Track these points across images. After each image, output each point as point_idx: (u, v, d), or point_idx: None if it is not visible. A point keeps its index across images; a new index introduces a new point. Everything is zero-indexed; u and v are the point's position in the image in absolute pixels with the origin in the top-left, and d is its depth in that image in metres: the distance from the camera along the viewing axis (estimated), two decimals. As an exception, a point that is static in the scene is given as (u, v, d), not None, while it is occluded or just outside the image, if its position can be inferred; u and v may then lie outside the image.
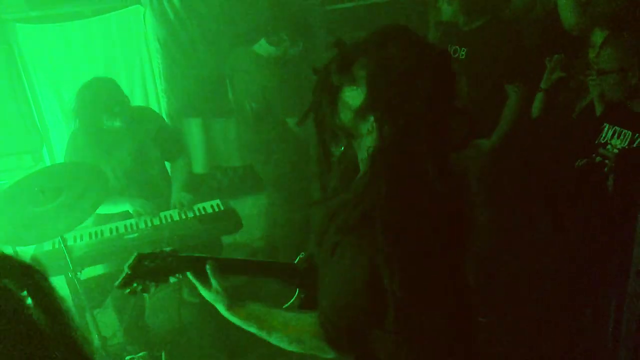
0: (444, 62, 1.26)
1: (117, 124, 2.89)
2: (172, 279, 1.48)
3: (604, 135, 2.43)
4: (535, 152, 3.13)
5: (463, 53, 3.19)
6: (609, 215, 2.40)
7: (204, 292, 1.48)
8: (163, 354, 2.58)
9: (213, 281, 1.45)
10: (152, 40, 3.61)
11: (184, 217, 2.98)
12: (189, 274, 1.48)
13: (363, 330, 1.32)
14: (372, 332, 1.34)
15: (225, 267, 1.49)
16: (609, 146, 2.39)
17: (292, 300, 1.62)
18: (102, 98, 2.83)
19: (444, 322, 1.37)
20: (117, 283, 1.45)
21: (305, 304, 1.57)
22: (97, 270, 2.92)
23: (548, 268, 2.86)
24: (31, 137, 3.42)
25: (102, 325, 2.67)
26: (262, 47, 3.29)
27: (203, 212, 3.02)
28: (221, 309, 1.47)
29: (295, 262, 1.65)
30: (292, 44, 3.26)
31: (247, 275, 1.63)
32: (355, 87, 1.27)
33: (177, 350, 3.24)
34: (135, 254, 1.47)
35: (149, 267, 1.46)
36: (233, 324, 1.51)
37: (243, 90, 3.38)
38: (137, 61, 3.66)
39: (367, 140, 1.31)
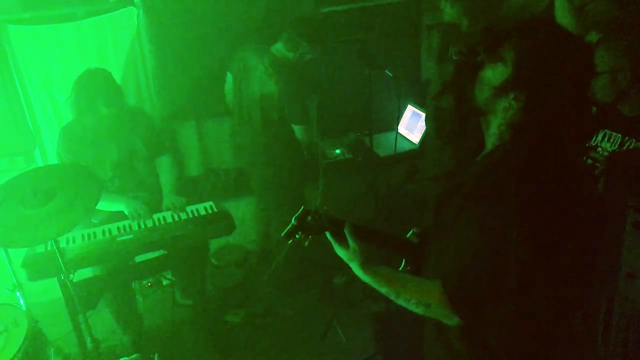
0: (589, 54, 1.38)
1: (113, 110, 2.92)
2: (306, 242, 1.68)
3: (594, 138, 2.45)
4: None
5: None
6: (599, 218, 2.41)
7: (340, 251, 1.60)
8: (156, 355, 2.57)
9: (350, 241, 1.58)
10: (145, 42, 3.61)
11: (177, 219, 2.98)
12: (328, 234, 1.63)
13: (488, 299, 1.35)
14: (495, 302, 1.36)
15: (358, 232, 1.60)
16: (599, 149, 2.41)
17: (400, 268, 1.76)
18: (98, 83, 2.89)
19: (558, 307, 1.44)
20: (283, 233, 1.66)
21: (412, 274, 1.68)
22: (89, 272, 2.91)
23: (564, 268, 2.87)
24: (24, 138, 3.42)
25: (94, 327, 2.67)
26: (279, 51, 3.30)
27: (196, 214, 3.03)
28: (355, 266, 1.57)
29: (407, 236, 1.80)
30: (310, 50, 3.29)
31: (373, 242, 1.69)
32: (499, 65, 1.37)
33: (170, 351, 3.24)
34: (302, 207, 1.67)
35: (309, 223, 1.65)
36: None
37: (251, 89, 3.36)
38: (130, 63, 3.66)
39: (499, 117, 1.39)
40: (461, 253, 1.37)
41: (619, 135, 2.35)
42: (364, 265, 1.55)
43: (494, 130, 1.43)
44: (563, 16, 2.89)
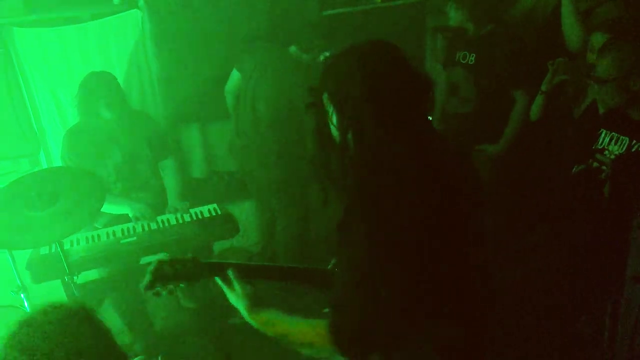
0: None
1: (115, 113, 2.94)
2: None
3: (600, 141, 2.44)
4: (533, 156, 3.14)
5: (472, 58, 3.22)
6: (605, 221, 2.40)
7: (228, 295, 1.57)
8: (159, 358, 2.57)
9: (236, 285, 1.54)
10: (149, 44, 3.60)
11: (181, 221, 2.98)
12: (217, 279, 1.57)
13: (367, 335, 1.29)
14: (377, 339, 1.31)
15: (248, 273, 1.58)
16: (606, 152, 2.40)
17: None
18: (101, 87, 2.90)
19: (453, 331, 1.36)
20: (141, 286, 1.55)
21: None
22: (93, 274, 2.91)
23: (544, 274, 2.87)
24: (28, 141, 3.42)
25: (98, 329, 2.66)
26: (294, 51, 3.32)
27: (200, 217, 3.03)
28: (242, 310, 1.54)
29: (329, 267, 1.69)
30: (324, 49, 3.30)
31: (274, 280, 1.67)
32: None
33: (174, 355, 3.23)
34: (156, 260, 1.57)
35: (169, 273, 1.55)
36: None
37: (264, 88, 3.36)
38: (134, 66, 3.66)
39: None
40: (335, 288, 1.35)
41: (627, 138, 2.34)
42: (250, 309, 1.51)
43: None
44: (568, 18, 2.88)
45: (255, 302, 1.53)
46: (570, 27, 2.88)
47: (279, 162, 3.47)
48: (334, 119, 1.35)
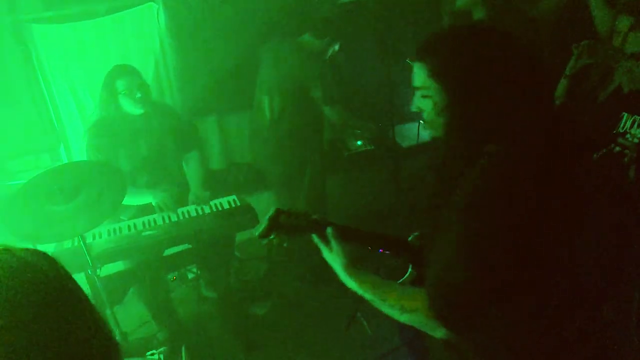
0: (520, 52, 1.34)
1: (140, 110, 2.96)
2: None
3: (622, 125, 2.39)
4: (556, 140, 3.10)
5: None
6: (631, 207, 2.36)
7: (324, 252, 1.57)
8: (183, 348, 2.60)
9: (333, 243, 1.54)
10: (166, 37, 3.62)
11: (201, 213, 3.00)
12: (313, 236, 1.59)
13: (471, 309, 1.29)
14: (481, 312, 1.32)
15: (344, 234, 1.57)
16: (627, 135, 2.35)
17: (405, 277, 1.67)
18: (126, 83, 2.92)
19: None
20: (257, 233, 1.59)
21: (418, 282, 1.61)
22: (116, 267, 2.95)
23: (566, 262, 2.83)
24: (48, 136, 3.47)
25: (122, 321, 2.70)
26: (306, 40, 3.34)
27: (220, 208, 3.04)
28: (338, 269, 1.53)
29: (409, 239, 1.73)
30: (334, 43, 3.32)
31: (363, 244, 1.65)
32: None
33: (197, 344, 3.27)
34: (275, 208, 1.59)
35: (283, 223, 1.58)
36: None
37: (277, 79, 3.37)
38: (151, 59, 3.68)
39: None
40: (444, 257, 1.30)
41: (650, 121, 2.29)
42: (347, 268, 1.51)
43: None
44: (596, 4, 2.84)
45: (353, 262, 1.53)
46: (598, 9, 2.83)
47: (294, 154, 3.48)
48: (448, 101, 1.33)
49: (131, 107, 2.95)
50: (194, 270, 3.69)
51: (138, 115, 2.99)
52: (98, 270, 2.50)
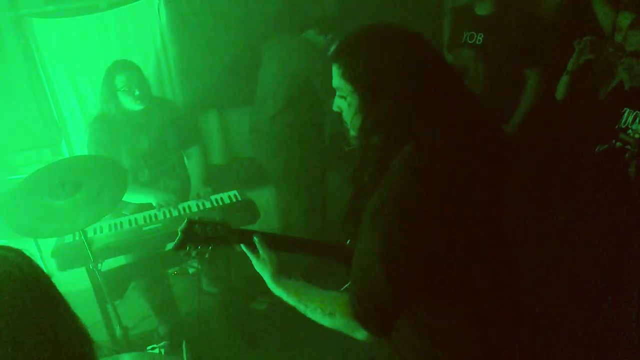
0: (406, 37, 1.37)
1: (138, 107, 2.97)
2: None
3: (624, 120, 2.39)
4: (557, 137, 3.10)
5: (480, 38, 3.16)
6: (631, 202, 2.36)
7: (254, 261, 1.57)
8: (184, 343, 2.60)
9: (261, 251, 1.55)
10: (166, 32, 3.62)
11: (202, 208, 3.00)
12: (242, 245, 1.58)
13: (388, 310, 1.30)
14: (398, 313, 1.33)
15: (273, 242, 1.58)
16: (629, 131, 2.35)
17: (348, 284, 1.63)
18: (125, 80, 2.92)
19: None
20: (172, 245, 1.55)
21: None
22: (117, 261, 2.95)
23: (568, 257, 2.83)
24: (50, 131, 3.47)
25: (123, 315, 2.71)
26: (310, 36, 3.36)
27: (221, 203, 3.04)
28: (266, 277, 1.55)
29: (347, 243, 1.72)
30: (337, 39, 3.32)
31: (296, 252, 1.66)
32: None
33: (197, 339, 3.28)
34: (187, 218, 1.55)
35: (199, 233, 1.54)
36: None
37: (279, 73, 3.37)
38: (152, 53, 3.67)
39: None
40: (360, 260, 1.33)
41: (651, 116, 2.29)
42: (274, 276, 1.52)
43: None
44: (596, 2, 2.85)
45: (280, 270, 1.54)
46: (598, 7, 2.83)
47: (294, 148, 3.48)
48: (360, 100, 1.35)
49: (131, 104, 2.96)
50: (195, 265, 3.69)
51: (138, 111, 2.99)
52: (99, 265, 2.50)
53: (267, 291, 1.59)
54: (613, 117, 2.44)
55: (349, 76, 1.35)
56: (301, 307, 1.45)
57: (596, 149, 2.47)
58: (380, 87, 1.30)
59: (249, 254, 1.58)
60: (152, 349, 2.28)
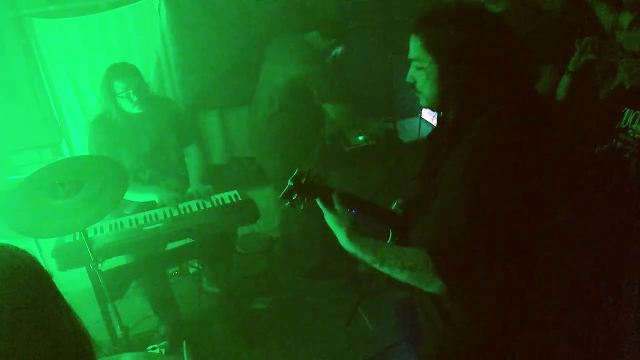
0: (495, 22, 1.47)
1: (137, 110, 2.98)
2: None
3: (624, 120, 2.39)
4: (557, 137, 3.09)
5: None
6: (631, 202, 2.36)
7: (329, 217, 1.60)
8: (184, 343, 2.60)
9: (338, 207, 1.60)
10: (167, 32, 3.62)
11: (202, 208, 3.00)
12: (317, 200, 1.64)
13: (470, 263, 1.39)
14: (477, 267, 1.42)
15: (345, 200, 1.63)
16: (629, 131, 2.35)
17: (387, 241, 1.78)
18: (123, 86, 2.92)
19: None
20: (280, 194, 1.66)
21: (398, 245, 1.70)
22: (117, 261, 2.95)
23: (568, 255, 2.83)
24: (50, 130, 3.47)
25: (123, 315, 2.71)
26: (313, 37, 3.34)
27: (221, 203, 3.04)
28: (342, 233, 1.56)
29: (392, 207, 1.86)
30: (338, 45, 3.34)
31: (360, 211, 1.72)
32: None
33: (198, 339, 3.28)
34: (297, 169, 1.66)
35: (304, 184, 1.65)
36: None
37: (277, 73, 3.37)
38: (153, 53, 3.68)
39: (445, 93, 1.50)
40: (446, 217, 1.40)
41: (651, 116, 2.29)
42: (350, 231, 1.55)
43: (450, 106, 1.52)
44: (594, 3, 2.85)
45: (356, 227, 1.58)
46: (599, 8, 2.84)
47: (290, 149, 3.48)
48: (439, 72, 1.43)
49: (129, 108, 2.98)
50: (195, 265, 3.70)
51: (138, 114, 3.01)
52: (99, 265, 2.50)
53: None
54: (613, 117, 2.44)
55: (431, 46, 1.43)
56: (377, 262, 1.49)
57: (596, 149, 2.47)
58: (459, 59, 1.39)
59: (325, 210, 1.62)
60: (153, 348, 2.29)
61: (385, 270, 1.47)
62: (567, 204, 2.84)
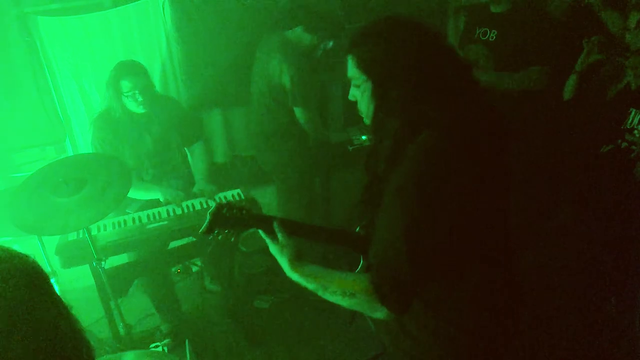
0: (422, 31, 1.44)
1: (141, 110, 2.98)
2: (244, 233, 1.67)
3: (630, 121, 2.38)
4: (563, 136, 3.09)
5: (493, 35, 3.17)
6: (636, 202, 2.35)
7: (272, 246, 1.59)
8: (186, 341, 2.61)
9: (279, 236, 1.58)
10: (171, 30, 3.61)
11: (205, 206, 3.00)
12: (260, 231, 1.62)
13: (409, 288, 1.34)
14: (418, 292, 1.38)
15: (290, 228, 1.61)
16: (635, 131, 2.34)
17: (358, 268, 1.74)
18: (130, 85, 2.92)
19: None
20: (201, 230, 1.63)
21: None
22: (121, 259, 2.95)
23: (572, 255, 2.83)
24: (54, 128, 3.47)
25: (127, 313, 2.71)
26: (296, 34, 3.29)
27: (224, 201, 3.04)
28: (284, 262, 1.56)
29: (357, 230, 1.78)
30: (327, 39, 3.29)
31: (311, 239, 1.70)
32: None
33: (200, 337, 3.28)
34: (215, 203, 1.64)
35: (226, 216, 1.61)
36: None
37: (261, 73, 3.37)
38: (156, 52, 3.67)
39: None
40: (382, 239, 1.36)
41: (656, 117, 2.28)
42: (292, 261, 1.54)
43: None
44: (600, 9, 2.85)
45: (298, 255, 1.56)
46: (606, 14, 2.84)
47: (281, 148, 3.47)
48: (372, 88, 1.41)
49: (134, 107, 2.98)
50: (198, 263, 3.70)
51: (142, 113, 3.01)
52: (103, 263, 2.50)
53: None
54: (619, 118, 2.43)
55: (363, 65, 1.41)
56: (320, 290, 1.47)
57: (602, 149, 2.46)
58: (392, 75, 1.37)
59: (267, 239, 1.61)
60: (155, 346, 2.28)
61: (329, 298, 1.45)
62: (572, 204, 2.84)
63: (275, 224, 1.59)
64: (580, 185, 2.73)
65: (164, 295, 3.24)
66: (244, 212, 1.62)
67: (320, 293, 1.47)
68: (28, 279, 0.88)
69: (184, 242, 3.11)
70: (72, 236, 2.77)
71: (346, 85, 1.52)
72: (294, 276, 1.54)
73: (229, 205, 1.63)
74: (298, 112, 3.32)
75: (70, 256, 2.65)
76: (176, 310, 3.32)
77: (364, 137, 4.10)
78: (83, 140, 3.60)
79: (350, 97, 1.52)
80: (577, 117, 2.91)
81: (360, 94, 1.46)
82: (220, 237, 1.63)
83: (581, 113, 2.84)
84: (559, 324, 2.87)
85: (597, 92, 2.67)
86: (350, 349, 3.17)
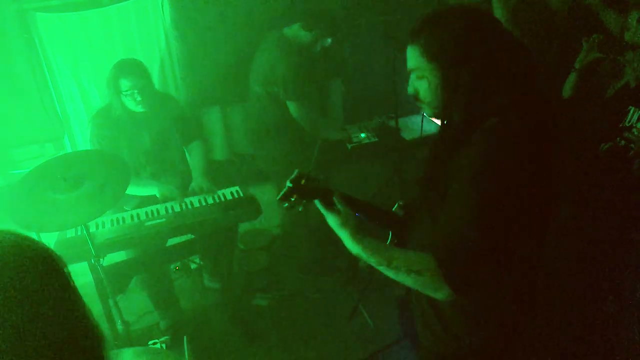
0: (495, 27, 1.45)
1: (139, 109, 2.98)
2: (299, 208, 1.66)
3: (628, 119, 2.38)
4: (562, 134, 3.09)
5: None
6: (635, 200, 2.35)
7: (331, 218, 1.56)
8: (185, 338, 2.61)
9: (341, 207, 1.56)
10: (169, 28, 3.61)
11: (204, 203, 3.00)
12: (317, 202, 1.60)
13: (477, 269, 1.35)
14: (484, 274, 1.38)
15: (346, 201, 1.61)
16: (634, 130, 2.34)
17: (387, 243, 1.75)
18: (129, 84, 2.91)
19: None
20: (278, 196, 1.62)
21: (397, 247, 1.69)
22: (119, 256, 2.95)
23: (570, 254, 2.83)
24: (53, 125, 3.46)
25: (124, 310, 2.71)
26: (293, 30, 3.28)
27: (223, 199, 3.04)
28: (346, 233, 1.52)
29: (393, 209, 1.84)
30: (325, 37, 3.28)
31: (358, 211, 1.69)
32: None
33: (199, 334, 3.28)
34: (296, 170, 1.63)
35: (303, 186, 1.62)
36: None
37: (258, 69, 3.36)
38: (155, 49, 3.67)
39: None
40: (454, 221, 1.35)
41: (655, 115, 2.28)
42: (356, 233, 1.51)
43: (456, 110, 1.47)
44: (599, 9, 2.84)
45: (360, 227, 1.54)
46: (605, 14, 2.83)
47: (275, 145, 3.47)
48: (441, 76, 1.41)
49: (132, 106, 2.98)
50: (197, 260, 3.70)
51: (141, 112, 3.00)
52: (101, 260, 2.50)
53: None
54: (618, 116, 2.43)
55: (431, 53, 1.40)
56: (382, 265, 1.45)
57: (600, 147, 2.46)
58: (461, 63, 1.36)
59: (325, 211, 1.58)
60: (154, 343, 2.28)
61: (390, 273, 1.43)
62: (570, 202, 2.83)
63: (335, 196, 1.59)
64: (579, 182, 2.73)
65: (162, 292, 3.24)
66: (316, 182, 1.64)
67: (382, 268, 1.45)
68: (45, 267, 0.88)
69: (183, 240, 3.11)
70: (71, 233, 2.77)
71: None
72: (355, 249, 1.50)
73: (307, 175, 1.63)
74: (292, 106, 3.32)
75: (69, 253, 2.65)
76: (175, 307, 3.33)
77: (362, 135, 4.10)
78: (82, 137, 3.59)
79: (410, 90, 1.51)
80: (576, 115, 2.91)
81: (428, 84, 1.44)
82: (295, 203, 1.63)
83: (580, 111, 2.84)
84: (558, 323, 2.87)
85: (596, 90, 2.67)
86: (349, 346, 3.18)
